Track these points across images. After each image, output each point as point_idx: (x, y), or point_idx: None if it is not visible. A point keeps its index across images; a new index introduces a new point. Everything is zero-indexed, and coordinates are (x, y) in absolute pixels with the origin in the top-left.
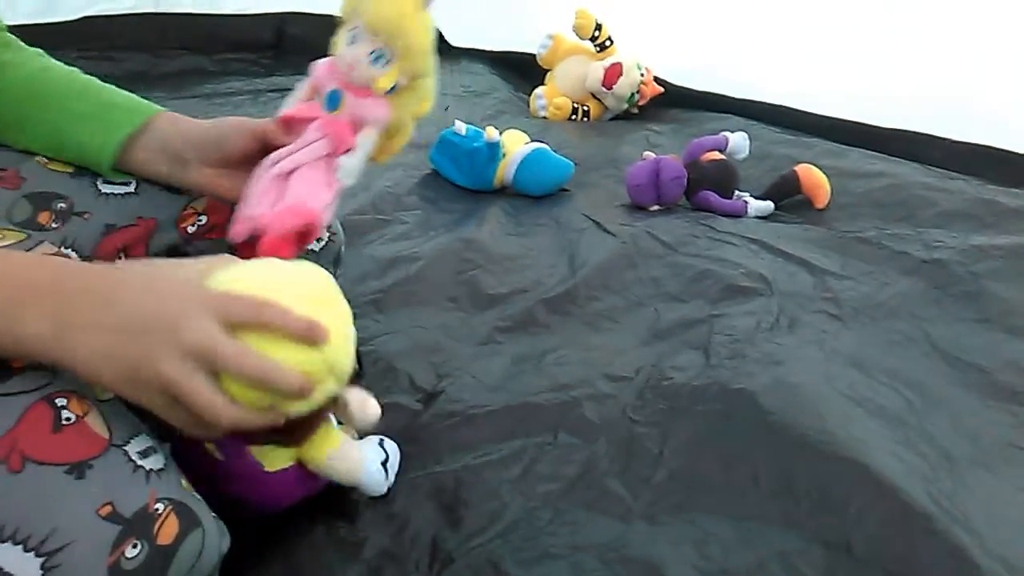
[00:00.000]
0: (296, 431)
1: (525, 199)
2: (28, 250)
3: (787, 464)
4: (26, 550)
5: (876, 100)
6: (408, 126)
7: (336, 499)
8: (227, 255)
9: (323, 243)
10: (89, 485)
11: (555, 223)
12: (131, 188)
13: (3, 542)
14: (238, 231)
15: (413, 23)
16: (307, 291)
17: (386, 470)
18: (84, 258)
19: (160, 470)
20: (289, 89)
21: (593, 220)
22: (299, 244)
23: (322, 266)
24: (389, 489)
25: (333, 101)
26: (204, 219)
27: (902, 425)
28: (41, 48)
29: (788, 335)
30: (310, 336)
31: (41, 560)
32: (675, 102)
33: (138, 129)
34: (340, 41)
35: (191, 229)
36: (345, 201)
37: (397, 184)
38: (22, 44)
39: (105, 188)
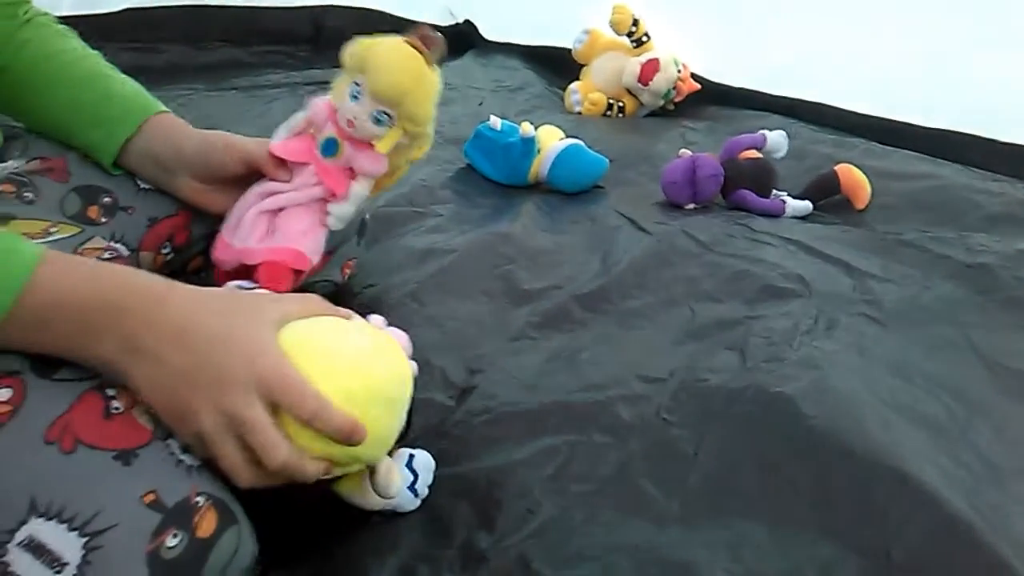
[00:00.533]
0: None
1: (559, 195)
2: (82, 243)
3: (825, 470)
4: (70, 529)
5: (919, 100)
6: (404, 169)
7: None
8: (316, 297)
9: None
10: (135, 472)
11: (589, 220)
12: None
13: (49, 519)
14: (222, 259)
15: (417, 94)
16: (365, 381)
17: (415, 490)
18: (133, 250)
19: (199, 466)
20: (326, 83)
21: (628, 217)
22: (295, 278)
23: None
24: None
25: (330, 148)
26: None
27: (944, 433)
28: (84, 40)
29: (827, 338)
30: (347, 439)
31: (84, 540)
32: (712, 99)
33: (134, 133)
34: (342, 89)
35: None
36: (380, 193)
37: (431, 177)
38: (48, 21)
39: (143, 183)
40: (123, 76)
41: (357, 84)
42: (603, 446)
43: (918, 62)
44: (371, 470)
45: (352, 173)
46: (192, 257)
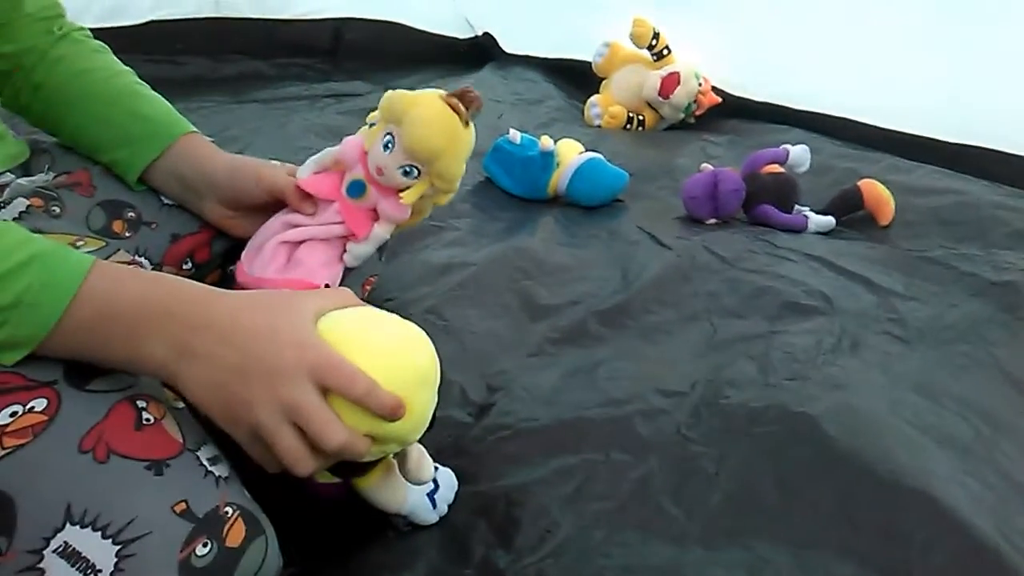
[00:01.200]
0: (358, 470)
1: (578, 209)
2: (107, 257)
3: (849, 492)
4: (104, 536)
5: (944, 114)
6: (426, 213)
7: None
8: (348, 291)
9: None
10: (166, 482)
11: (609, 234)
12: None
13: (84, 527)
14: (240, 284)
15: (450, 154)
16: (404, 363)
17: (434, 501)
18: (155, 264)
19: (227, 477)
20: (345, 95)
21: (648, 232)
22: None
23: None
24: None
25: (356, 190)
26: None
27: (970, 455)
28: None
29: (850, 357)
30: (392, 415)
31: (117, 548)
32: (733, 113)
33: (159, 154)
34: (375, 135)
35: None
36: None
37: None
38: (83, 37)
39: (167, 199)
40: (154, 94)
41: (391, 135)
42: (622, 464)
43: (942, 77)
44: (402, 458)
45: (375, 215)
46: (211, 272)
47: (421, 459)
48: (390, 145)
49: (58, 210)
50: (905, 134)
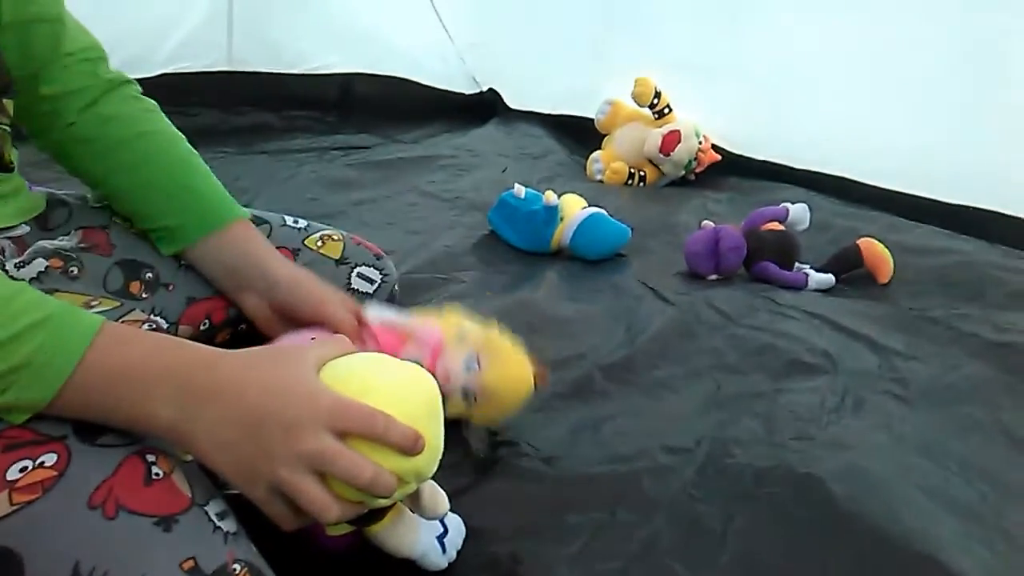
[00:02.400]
0: (372, 518)
1: (581, 263)
2: (120, 317)
3: (857, 555)
4: None
5: (942, 174)
6: None
7: (396, 571)
8: (341, 337)
9: (376, 284)
10: (175, 538)
11: (612, 289)
12: None
13: None
14: None
15: (509, 413)
16: (412, 399)
17: (444, 545)
18: (171, 324)
19: (235, 533)
20: (353, 148)
21: (650, 287)
22: None
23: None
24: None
25: None
26: None
27: (977, 520)
28: None
29: (854, 417)
30: (411, 448)
31: None
32: (733, 170)
33: (208, 235)
34: (457, 350)
35: None
36: (404, 260)
37: (455, 244)
38: (137, 94)
39: (184, 261)
40: (207, 170)
41: (476, 366)
42: (629, 523)
43: (940, 138)
44: (415, 496)
45: None
46: (223, 329)
47: (435, 493)
48: (473, 369)
49: (76, 271)
50: (903, 194)
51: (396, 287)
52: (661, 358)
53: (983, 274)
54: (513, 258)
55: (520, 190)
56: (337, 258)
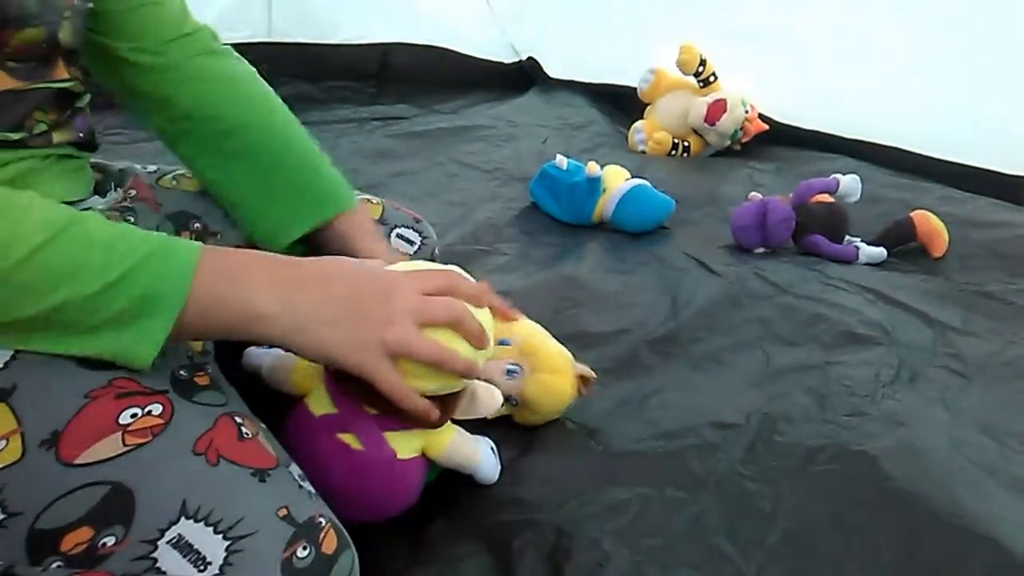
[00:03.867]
0: (443, 411)
1: (624, 235)
2: None
3: (912, 536)
4: (216, 532)
5: (1000, 145)
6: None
7: (437, 549)
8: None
9: (416, 246)
10: (270, 489)
11: (657, 261)
12: None
13: (197, 521)
14: None
15: (551, 416)
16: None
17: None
18: None
19: (316, 494)
20: (393, 118)
21: (696, 259)
22: None
23: None
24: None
25: None
26: None
27: None
28: None
29: (910, 391)
30: (481, 341)
31: (227, 543)
32: (780, 140)
33: (326, 222)
34: (501, 354)
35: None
36: (445, 231)
37: (496, 216)
38: (253, 75)
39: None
40: (322, 154)
41: (519, 369)
42: (676, 500)
43: (997, 106)
44: (471, 396)
45: None
46: None
47: (490, 388)
48: (515, 375)
49: (133, 220)
50: (958, 164)
51: (436, 251)
52: (708, 330)
53: None
54: (555, 230)
55: (562, 161)
56: (377, 218)
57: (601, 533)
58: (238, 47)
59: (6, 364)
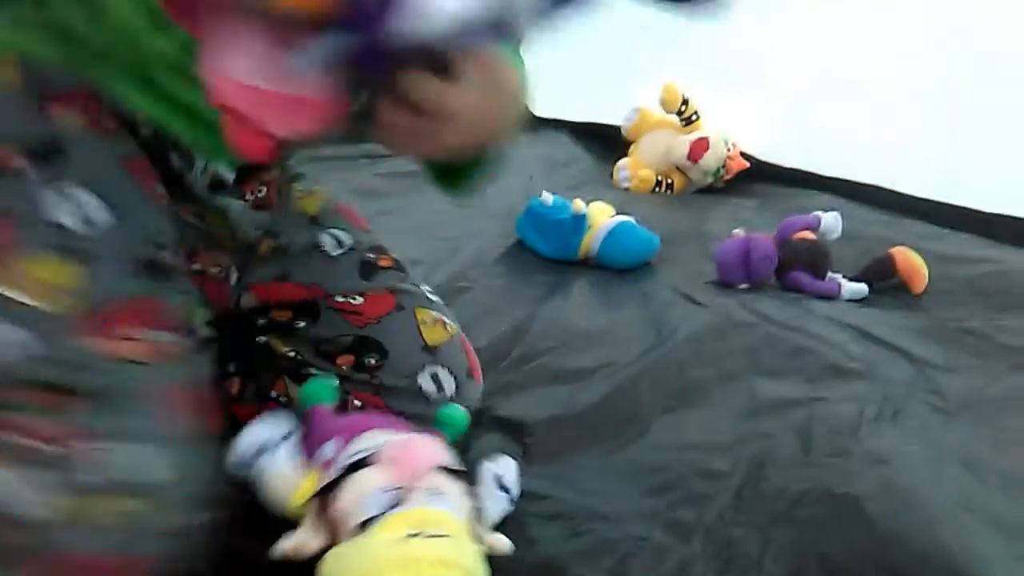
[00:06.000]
0: None
1: (610, 272)
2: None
3: None
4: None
5: (976, 182)
6: None
7: None
8: None
9: (343, 250)
10: None
11: (642, 296)
12: None
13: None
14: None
15: None
16: None
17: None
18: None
19: None
20: (381, 156)
21: (681, 293)
22: None
23: None
24: None
25: None
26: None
27: (1022, 537)
28: None
29: (892, 428)
30: None
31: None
32: (763, 177)
33: None
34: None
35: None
36: (432, 269)
37: (483, 252)
38: None
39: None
40: None
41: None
42: (664, 545)
43: (974, 147)
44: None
45: None
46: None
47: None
48: None
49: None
50: (937, 202)
51: (369, 256)
52: (694, 361)
53: (1020, 283)
54: (541, 267)
55: (548, 198)
56: (312, 213)
57: (589, 572)
58: None
59: None
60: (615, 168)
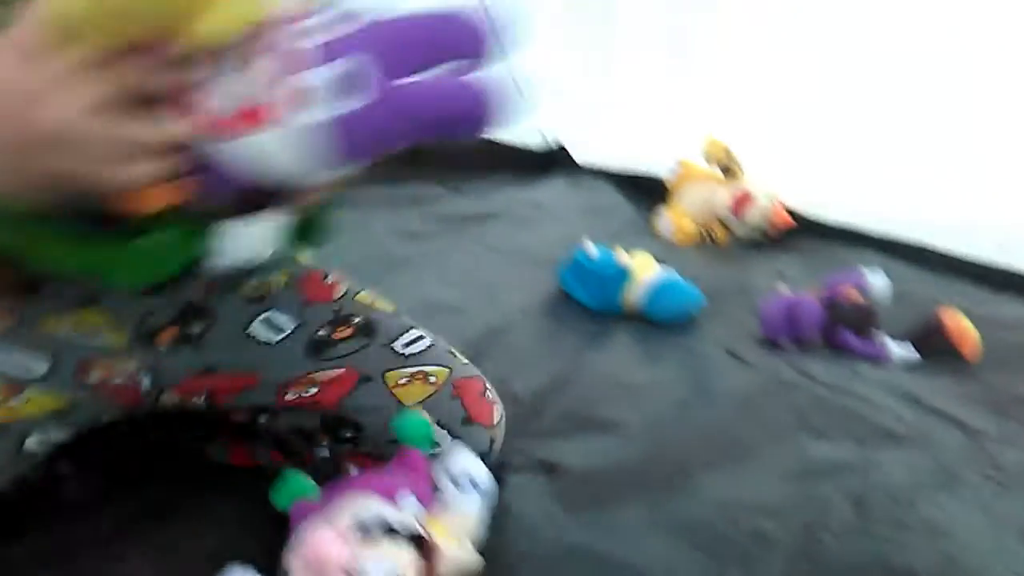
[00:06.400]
0: None
1: (652, 325)
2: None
3: None
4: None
5: None
6: None
7: None
8: None
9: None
10: None
11: (686, 351)
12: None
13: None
14: None
15: None
16: None
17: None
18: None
19: None
20: (424, 200)
21: (727, 350)
22: None
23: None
24: None
25: None
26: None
27: None
28: None
29: (948, 497)
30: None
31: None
32: (808, 232)
33: None
34: None
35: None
36: (471, 316)
37: (523, 301)
38: None
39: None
40: None
41: None
42: None
43: None
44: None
45: None
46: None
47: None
48: None
49: None
50: (987, 263)
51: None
52: (740, 419)
53: None
54: (583, 317)
55: (590, 248)
56: None
57: None
58: None
59: None
60: (657, 219)
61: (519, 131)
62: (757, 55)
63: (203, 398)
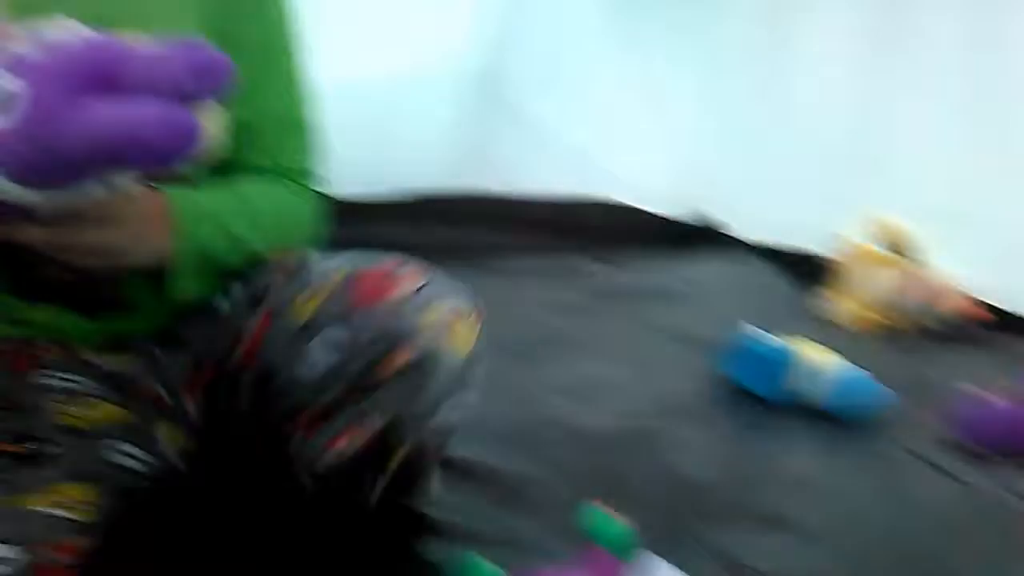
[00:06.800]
0: None
1: (828, 419)
2: None
3: None
4: None
5: None
6: None
7: None
8: None
9: None
10: None
11: (875, 456)
12: None
13: None
14: None
15: None
16: None
17: None
18: None
19: None
20: (575, 272)
21: (923, 458)
22: None
23: None
24: None
25: None
26: None
27: None
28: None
29: None
30: None
31: None
32: (999, 327)
33: None
34: None
35: None
36: (625, 397)
37: (679, 383)
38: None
39: None
40: None
41: None
42: None
43: None
44: None
45: None
46: None
47: None
48: None
49: None
50: None
51: None
52: (950, 542)
53: None
54: (749, 408)
55: (754, 332)
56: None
57: None
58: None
59: None
60: (827, 302)
61: (667, 202)
62: (927, 131)
63: None
